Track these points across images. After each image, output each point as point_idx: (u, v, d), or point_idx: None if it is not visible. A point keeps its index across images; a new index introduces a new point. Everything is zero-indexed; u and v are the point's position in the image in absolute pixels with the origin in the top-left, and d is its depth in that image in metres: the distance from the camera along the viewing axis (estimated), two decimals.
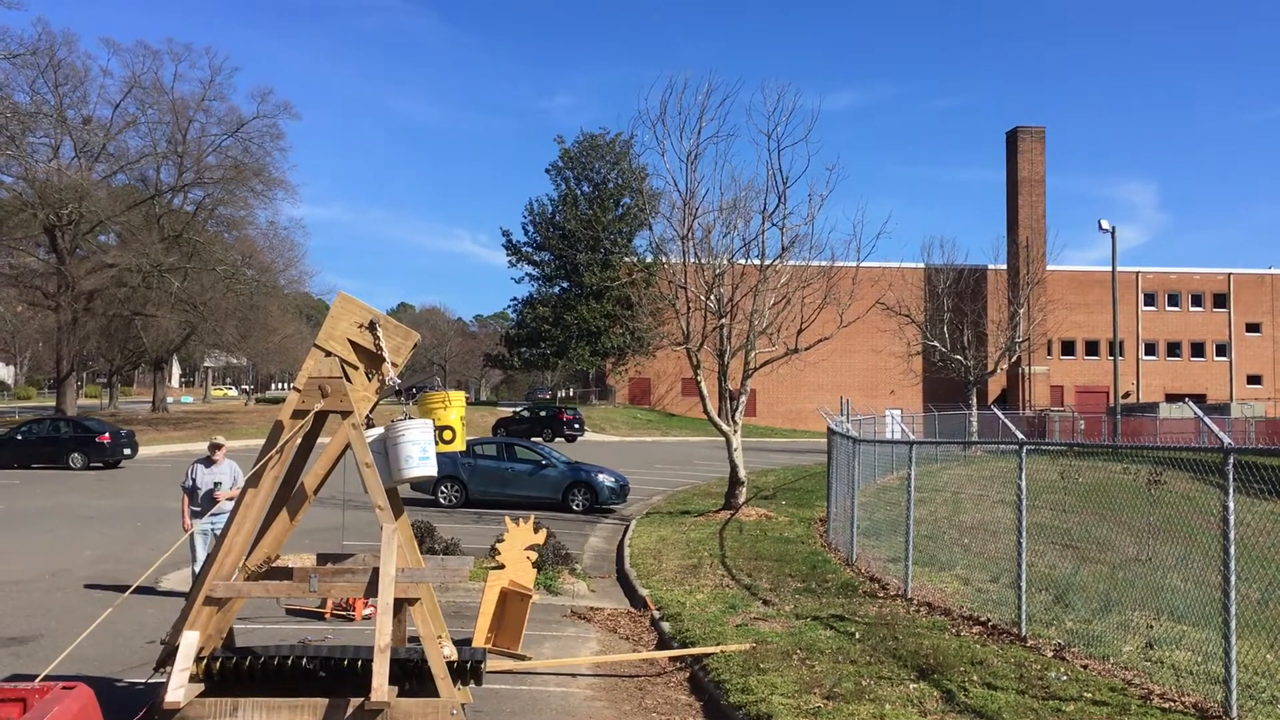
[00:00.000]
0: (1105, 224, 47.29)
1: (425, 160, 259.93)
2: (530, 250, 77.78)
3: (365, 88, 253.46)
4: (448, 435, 8.18)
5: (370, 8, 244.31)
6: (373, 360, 8.10)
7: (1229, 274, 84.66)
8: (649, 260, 53.47)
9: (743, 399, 24.72)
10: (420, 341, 8.42)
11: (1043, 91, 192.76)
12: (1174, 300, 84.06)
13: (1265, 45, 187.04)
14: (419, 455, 7.87)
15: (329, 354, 7.98)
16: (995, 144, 76.41)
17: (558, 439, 53.35)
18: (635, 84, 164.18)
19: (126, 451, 37.96)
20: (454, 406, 8.28)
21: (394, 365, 8.01)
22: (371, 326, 7.99)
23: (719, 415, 24.79)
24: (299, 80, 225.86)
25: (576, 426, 56.61)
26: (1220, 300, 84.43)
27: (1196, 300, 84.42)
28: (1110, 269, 48.51)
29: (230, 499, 13.13)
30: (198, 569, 11.61)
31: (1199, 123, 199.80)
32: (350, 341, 8.02)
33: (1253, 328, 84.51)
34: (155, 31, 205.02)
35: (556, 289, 77.09)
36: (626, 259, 70.12)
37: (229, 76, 60.65)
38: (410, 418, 7.99)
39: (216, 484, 13.71)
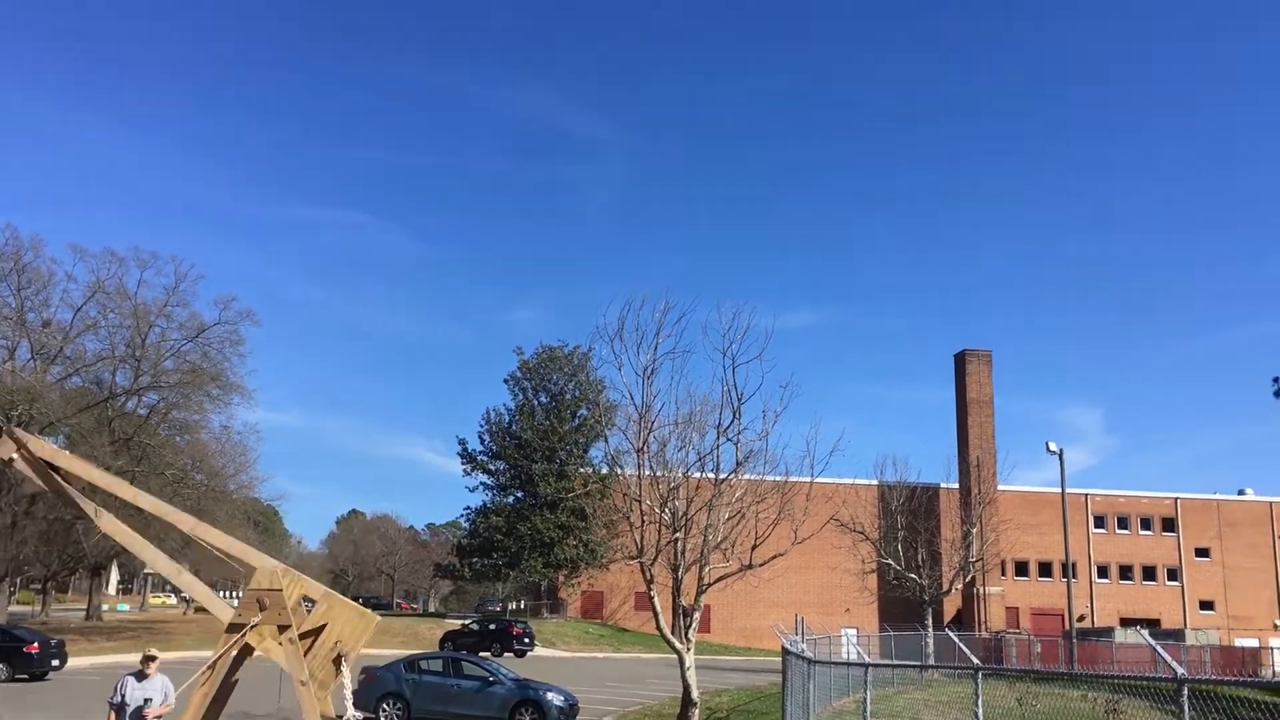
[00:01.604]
0: (1053, 446, 48.17)
1: (383, 368, 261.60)
2: (485, 459, 77.55)
3: (329, 297, 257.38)
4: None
5: (339, 225, 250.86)
6: None
7: (1176, 498, 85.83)
8: (604, 472, 53.43)
9: (696, 615, 24.31)
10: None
11: (990, 315, 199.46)
12: (1124, 523, 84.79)
13: (1202, 276, 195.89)
14: None
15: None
16: (944, 364, 79.19)
17: (507, 654, 51.86)
18: (594, 301, 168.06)
19: (54, 662, 36.44)
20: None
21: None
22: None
23: (672, 632, 24.29)
24: (261, 287, 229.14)
25: (527, 641, 55.20)
26: (1169, 524, 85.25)
27: (1145, 524, 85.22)
28: (1060, 490, 49.08)
29: (159, 716, 12.56)
30: None
31: (1141, 350, 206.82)
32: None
33: (1202, 552, 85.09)
34: (125, 241, 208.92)
35: (511, 499, 76.49)
36: (582, 470, 70.02)
37: (193, 284, 61.15)
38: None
39: (146, 700, 13.08)
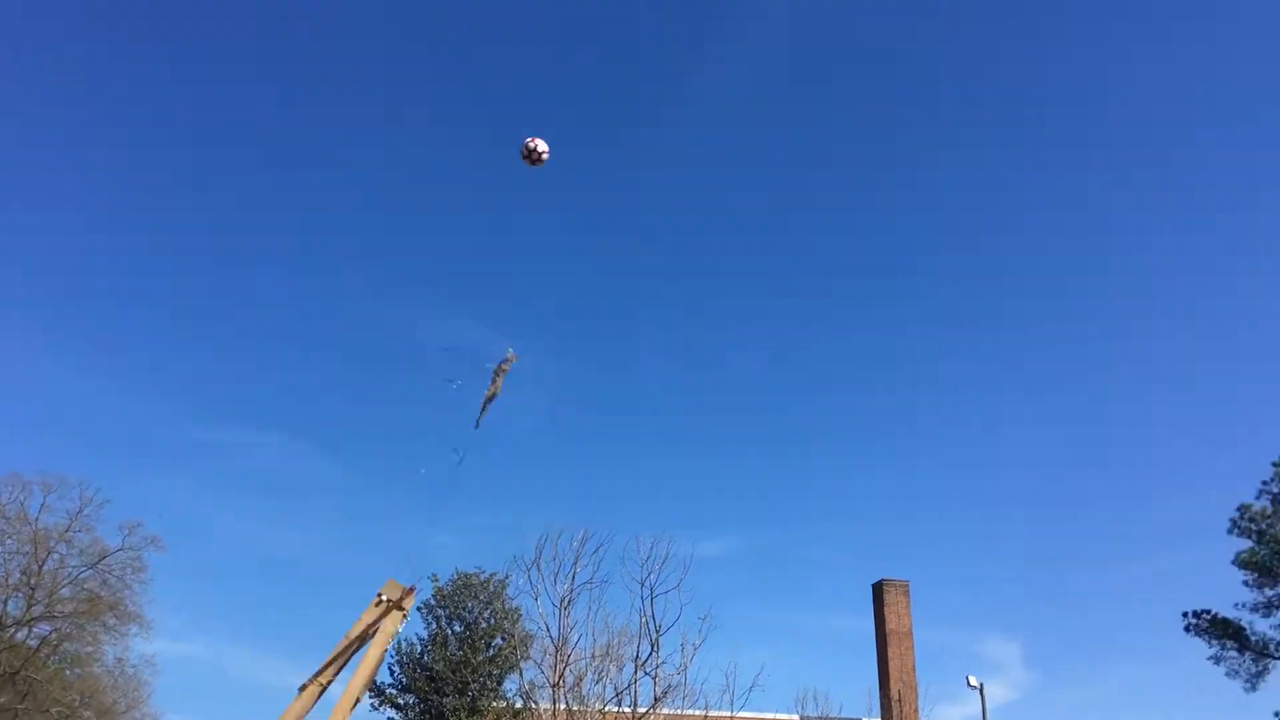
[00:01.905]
0: (973, 680, 47.83)
1: (292, 593, 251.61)
2: (395, 693, 74.24)
3: (241, 522, 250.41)
4: None
5: (254, 445, 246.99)
6: None
7: None
8: (518, 706, 51.60)
9: None
10: None
11: (908, 543, 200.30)
12: None
13: (1104, 511, 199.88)
14: None
15: None
16: (863, 592, 78.95)
17: None
18: (514, 526, 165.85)
19: None
20: None
21: None
22: None
23: None
24: (168, 510, 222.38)
25: None
26: None
27: None
28: None
29: None
30: None
31: (1054, 583, 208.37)
32: None
33: None
34: (32, 464, 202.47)
35: None
36: (495, 704, 67.37)
37: (98, 508, 59.59)
38: None
39: None
